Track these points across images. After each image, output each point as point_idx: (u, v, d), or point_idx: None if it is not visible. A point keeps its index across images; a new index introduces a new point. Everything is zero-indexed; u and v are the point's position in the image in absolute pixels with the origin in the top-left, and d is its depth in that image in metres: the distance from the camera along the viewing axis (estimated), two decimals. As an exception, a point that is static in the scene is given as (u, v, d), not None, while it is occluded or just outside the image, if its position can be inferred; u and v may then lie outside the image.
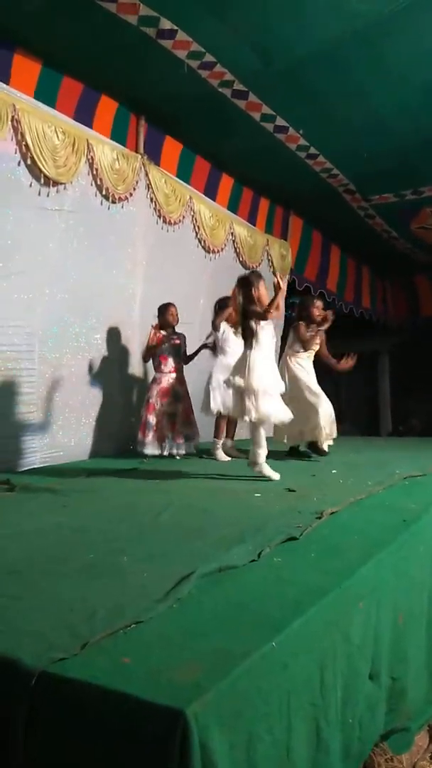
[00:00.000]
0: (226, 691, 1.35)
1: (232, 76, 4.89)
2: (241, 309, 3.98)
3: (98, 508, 3.14)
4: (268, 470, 3.88)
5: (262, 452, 3.89)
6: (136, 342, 5.35)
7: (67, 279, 4.74)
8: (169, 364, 5.03)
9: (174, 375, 5.01)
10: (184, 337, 5.18)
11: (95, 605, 1.78)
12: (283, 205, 7.81)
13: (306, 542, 2.45)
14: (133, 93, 5.16)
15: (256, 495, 3.40)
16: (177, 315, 5.09)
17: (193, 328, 5.73)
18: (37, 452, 4.49)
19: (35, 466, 4.44)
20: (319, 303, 5.17)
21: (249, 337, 3.92)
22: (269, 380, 3.85)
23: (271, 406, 3.81)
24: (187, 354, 5.18)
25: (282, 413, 3.90)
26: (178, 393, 4.97)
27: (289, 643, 1.60)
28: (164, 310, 5.09)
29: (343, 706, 1.86)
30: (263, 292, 3.98)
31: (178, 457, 4.91)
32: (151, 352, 5.04)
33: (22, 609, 1.77)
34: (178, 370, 5.05)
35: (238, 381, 3.83)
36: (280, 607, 1.77)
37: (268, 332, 3.93)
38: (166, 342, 5.01)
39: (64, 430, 4.77)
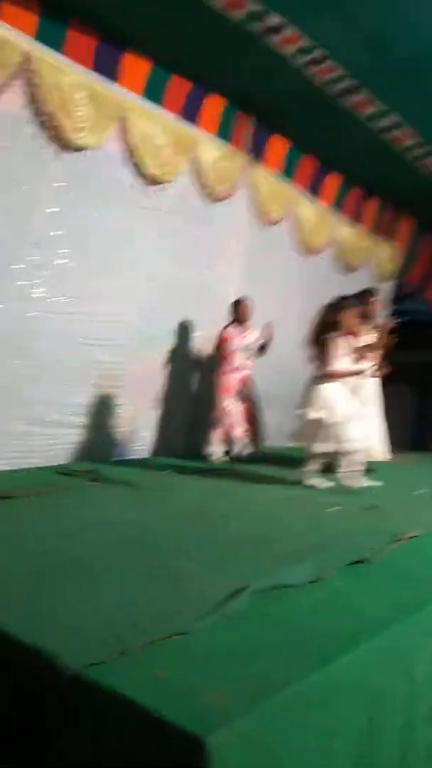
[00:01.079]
0: (256, 722, 1.29)
1: (343, 72, 4.70)
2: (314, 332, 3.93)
3: (170, 508, 3.15)
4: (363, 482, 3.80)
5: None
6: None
7: (163, 277, 4.79)
8: (236, 362, 4.85)
9: (243, 373, 4.88)
10: (268, 329, 4.88)
11: (144, 610, 1.78)
12: (393, 206, 7.47)
13: (376, 567, 2.31)
14: (240, 90, 5.11)
15: (335, 509, 3.26)
16: (250, 309, 4.91)
17: (288, 331, 5.60)
18: (123, 445, 4.59)
19: (121, 459, 4.54)
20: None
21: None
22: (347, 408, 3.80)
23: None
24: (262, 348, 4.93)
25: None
26: (244, 391, 4.86)
27: (336, 678, 1.50)
28: (237, 305, 4.92)
29: (399, 749, 1.72)
30: (350, 320, 3.91)
31: (241, 457, 4.77)
32: (223, 350, 4.87)
33: (73, 605, 1.79)
34: (247, 368, 4.91)
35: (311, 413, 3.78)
36: (332, 637, 1.67)
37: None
38: (237, 339, 4.86)
39: (149, 426, 4.85)
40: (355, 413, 3.85)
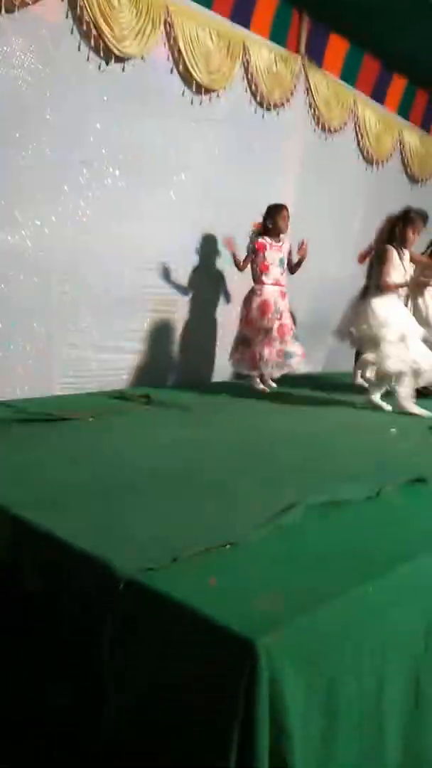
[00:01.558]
0: (307, 629, 1.28)
1: None
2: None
3: (224, 430, 3.14)
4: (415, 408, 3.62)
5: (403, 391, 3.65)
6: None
7: (215, 191, 4.60)
8: (272, 274, 4.35)
9: (278, 288, 4.38)
10: (303, 246, 4.46)
11: (198, 523, 1.79)
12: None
13: (435, 485, 2.24)
14: (295, -16, 4.71)
15: (392, 430, 3.18)
16: (287, 220, 4.39)
17: (345, 250, 5.36)
18: (179, 371, 4.59)
19: (174, 384, 4.54)
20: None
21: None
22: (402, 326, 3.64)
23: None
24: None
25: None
26: (279, 307, 4.37)
27: (390, 589, 1.48)
28: (275, 212, 4.35)
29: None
30: (409, 232, 3.76)
31: (273, 378, 4.43)
32: (250, 260, 4.37)
33: (128, 518, 1.82)
34: (282, 283, 4.43)
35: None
36: (388, 550, 1.64)
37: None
38: (270, 249, 4.36)
39: (207, 352, 4.81)
40: (415, 331, 3.68)
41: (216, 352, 4.86)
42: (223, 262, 4.74)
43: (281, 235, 4.40)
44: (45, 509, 1.78)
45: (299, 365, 4.40)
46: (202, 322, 4.76)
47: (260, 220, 4.42)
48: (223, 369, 4.85)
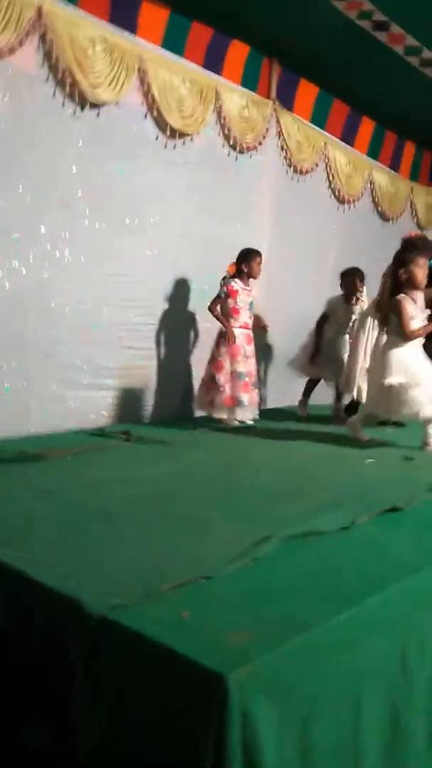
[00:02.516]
0: (279, 661, 1.28)
1: (371, 5, 4.45)
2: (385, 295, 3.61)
3: (200, 463, 3.15)
4: None
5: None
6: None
7: (192, 233, 4.70)
8: (242, 318, 4.41)
9: (246, 331, 4.45)
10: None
11: (170, 557, 1.78)
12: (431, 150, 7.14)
13: (410, 514, 2.27)
14: (264, 35, 4.89)
15: (368, 461, 3.21)
16: (260, 266, 4.47)
17: (321, 287, 5.48)
18: (157, 406, 4.60)
19: (151, 420, 4.54)
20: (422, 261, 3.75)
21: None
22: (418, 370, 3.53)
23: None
24: None
25: None
26: (247, 351, 4.43)
27: (363, 619, 1.48)
28: (249, 257, 4.42)
29: (430, 690, 1.70)
30: (419, 273, 3.52)
31: (250, 422, 4.40)
32: (220, 303, 4.39)
33: (101, 553, 1.81)
34: (249, 326, 4.50)
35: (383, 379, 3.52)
36: (361, 580, 1.64)
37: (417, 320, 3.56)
38: (241, 293, 4.41)
39: (184, 385, 4.84)
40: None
41: (194, 387, 4.88)
42: (197, 300, 4.83)
43: (250, 280, 4.49)
44: (16, 545, 1.77)
45: (250, 414, 4.46)
46: (179, 358, 4.80)
47: (234, 261, 4.50)
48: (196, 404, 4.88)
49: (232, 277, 4.45)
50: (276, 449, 3.62)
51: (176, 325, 4.76)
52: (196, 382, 4.80)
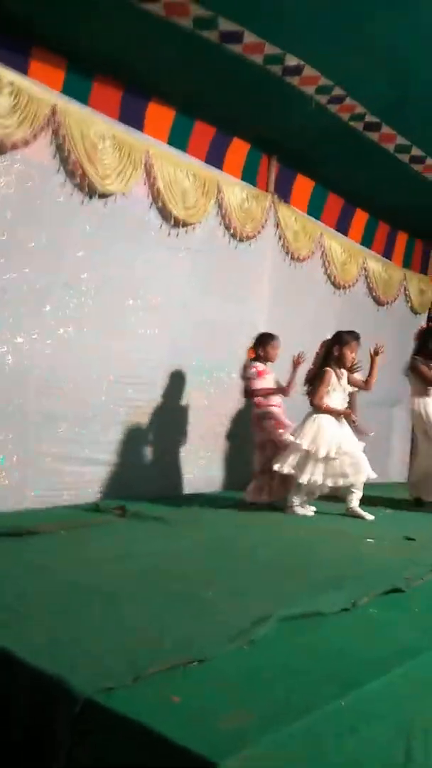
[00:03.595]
0: (274, 748, 1.21)
1: (363, 108, 4.79)
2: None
3: (198, 541, 3.08)
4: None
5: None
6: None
7: (193, 315, 4.84)
8: (275, 399, 4.37)
9: (280, 409, 4.38)
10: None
11: (163, 637, 1.72)
12: (423, 238, 7.45)
13: (412, 596, 2.20)
14: (263, 133, 5.24)
15: (368, 540, 3.14)
16: (277, 350, 4.46)
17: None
18: (154, 483, 4.55)
19: (151, 496, 4.49)
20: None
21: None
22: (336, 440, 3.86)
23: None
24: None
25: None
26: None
27: (363, 704, 1.40)
28: (269, 341, 4.43)
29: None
30: (349, 355, 4.00)
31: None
32: (259, 387, 4.33)
33: (92, 633, 1.74)
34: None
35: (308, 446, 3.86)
36: (361, 664, 1.58)
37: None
38: (268, 374, 4.38)
39: (182, 463, 4.82)
40: (349, 447, 3.88)
41: (188, 464, 4.87)
42: (202, 380, 4.90)
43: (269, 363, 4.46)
44: (3, 624, 1.70)
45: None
46: (175, 434, 4.81)
47: (244, 342, 4.59)
48: (195, 480, 4.84)
49: (252, 360, 4.42)
50: (276, 526, 3.56)
51: (174, 403, 4.80)
52: (192, 458, 4.79)
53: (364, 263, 6.55)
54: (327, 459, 3.80)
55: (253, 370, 4.38)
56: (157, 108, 4.56)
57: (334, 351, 3.95)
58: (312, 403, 3.96)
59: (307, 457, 3.85)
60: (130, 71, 4.21)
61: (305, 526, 3.55)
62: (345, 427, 4.07)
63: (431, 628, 1.84)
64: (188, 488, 4.81)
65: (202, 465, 4.91)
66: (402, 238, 7.20)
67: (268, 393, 4.35)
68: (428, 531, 3.50)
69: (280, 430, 4.24)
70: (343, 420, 4.10)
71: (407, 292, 7.19)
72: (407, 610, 2.03)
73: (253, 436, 4.48)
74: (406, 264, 7.30)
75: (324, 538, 3.26)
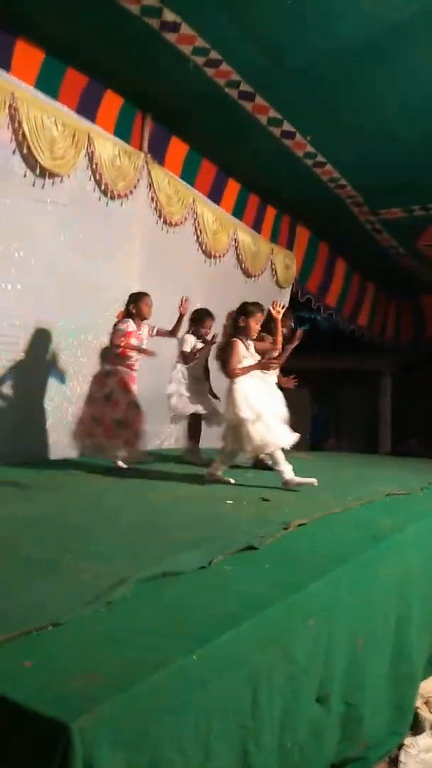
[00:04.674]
0: (125, 706, 1.23)
1: (239, 76, 4.81)
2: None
3: (59, 505, 3.02)
4: (300, 479, 3.77)
5: (284, 468, 3.77)
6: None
7: (58, 272, 4.65)
8: (134, 358, 4.43)
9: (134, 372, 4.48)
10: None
11: (17, 602, 1.67)
12: (290, 214, 7.70)
13: (265, 553, 2.31)
14: (139, 88, 5.09)
15: (227, 502, 3.26)
16: (150, 308, 4.48)
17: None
18: (14, 446, 4.37)
19: (11, 461, 4.31)
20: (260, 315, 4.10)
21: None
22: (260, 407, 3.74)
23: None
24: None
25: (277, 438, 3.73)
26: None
27: (213, 658, 1.47)
28: (141, 297, 4.44)
29: (280, 729, 1.72)
30: (254, 325, 3.94)
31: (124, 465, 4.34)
32: (124, 346, 4.33)
33: None
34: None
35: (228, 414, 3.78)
36: (214, 618, 1.64)
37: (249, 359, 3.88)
38: (135, 335, 4.40)
39: (47, 428, 4.67)
40: (273, 411, 3.81)
41: (53, 429, 4.72)
42: (67, 341, 4.74)
43: (142, 321, 4.45)
44: None
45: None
46: (39, 397, 4.64)
47: (114, 305, 4.51)
48: (60, 445, 4.71)
49: (125, 317, 4.40)
50: (138, 491, 3.57)
51: (39, 365, 4.61)
52: (56, 424, 4.65)
53: (234, 234, 6.66)
54: (254, 422, 3.68)
55: (123, 326, 4.34)
56: (26, 47, 4.27)
57: (240, 322, 3.90)
58: (228, 376, 3.83)
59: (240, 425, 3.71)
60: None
61: (168, 491, 3.60)
62: (272, 394, 3.99)
63: (280, 582, 1.95)
64: (53, 453, 4.68)
65: (68, 430, 4.77)
66: (271, 213, 7.38)
67: (135, 350, 4.37)
68: (281, 491, 3.69)
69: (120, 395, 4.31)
70: (270, 382, 4.09)
71: (274, 266, 7.43)
72: (260, 566, 2.14)
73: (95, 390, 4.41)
74: (274, 238, 7.51)
75: (184, 500, 3.34)
